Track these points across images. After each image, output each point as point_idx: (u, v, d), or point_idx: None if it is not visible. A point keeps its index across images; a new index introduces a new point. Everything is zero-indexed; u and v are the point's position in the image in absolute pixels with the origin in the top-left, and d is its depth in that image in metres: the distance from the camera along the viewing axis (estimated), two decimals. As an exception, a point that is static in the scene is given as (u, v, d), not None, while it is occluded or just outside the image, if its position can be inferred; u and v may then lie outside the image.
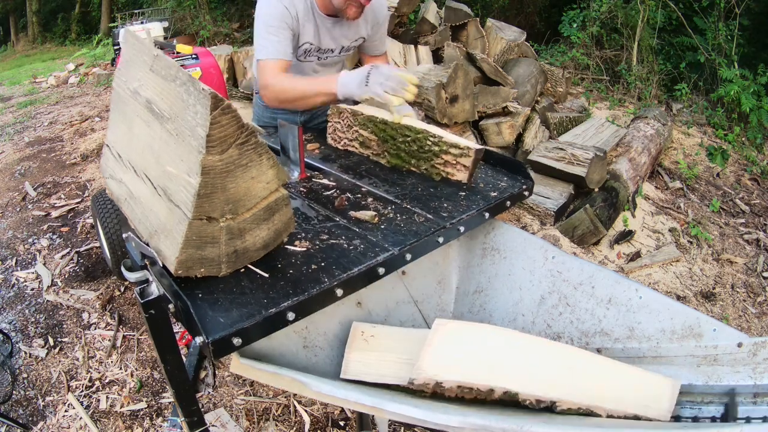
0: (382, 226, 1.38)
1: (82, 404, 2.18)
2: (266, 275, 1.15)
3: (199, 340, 0.95)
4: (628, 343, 1.34)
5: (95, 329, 2.58)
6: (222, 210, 1.03)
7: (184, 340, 2.17)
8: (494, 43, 4.74)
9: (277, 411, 2.16)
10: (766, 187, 4.91)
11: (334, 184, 1.65)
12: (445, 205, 1.51)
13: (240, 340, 0.97)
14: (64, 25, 15.56)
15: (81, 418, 2.12)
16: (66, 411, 2.16)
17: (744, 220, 4.31)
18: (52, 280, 2.92)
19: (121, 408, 2.17)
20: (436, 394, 1.31)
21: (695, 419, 1.19)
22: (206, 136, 0.94)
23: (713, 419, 1.16)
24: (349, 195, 1.56)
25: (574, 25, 6.65)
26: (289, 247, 1.27)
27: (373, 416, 1.64)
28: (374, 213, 1.43)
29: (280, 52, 1.84)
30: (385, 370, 1.33)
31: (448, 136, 1.64)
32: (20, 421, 2.11)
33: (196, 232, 1.01)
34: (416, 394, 1.31)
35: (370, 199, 1.53)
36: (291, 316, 1.05)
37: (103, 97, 6.33)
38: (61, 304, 2.74)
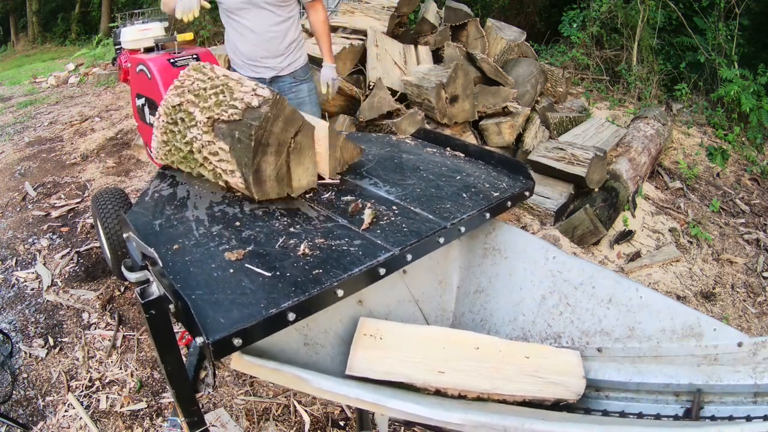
0: (379, 229, 1.38)
1: (82, 404, 2.18)
2: (268, 274, 1.15)
3: (199, 340, 0.95)
4: (629, 343, 1.34)
5: (95, 329, 2.58)
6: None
7: (184, 341, 2.17)
8: (494, 43, 4.74)
9: (277, 411, 2.16)
10: (766, 187, 4.91)
11: (335, 182, 1.65)
12: (446, 205, 1.51)
13: (240, 341, 0.97)
14: (64, 25, 15.54)
15: (81, 418, 2.12)
16: (66, 411, 2.16)
17: (744, 220, 4.31)
18: (52, 280, 2.91)
19: (121, 408, 2.17)
20: (439, 392, 1.31)
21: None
22: None
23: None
24: (353, 197, 1.56)
25: (574, 25, 6.65)
26: (289, 247, 1.27)
27: (373, 415, 1.64)
28: (370, 210, 1.43)
29: None
30: (390, 367, 1.34)
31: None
32: (20, 421, 2.11)
33: None
34: (419, 392, 1.31)
35: (371, 200, 1.53)
36: (291, 316, 1.05)
37: (103, 96, 6.33)
38: (61, 304, 2.74)
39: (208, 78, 1.54)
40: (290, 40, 2.50)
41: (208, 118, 1.46)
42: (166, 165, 1.69)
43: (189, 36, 2.58)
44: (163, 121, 1.60)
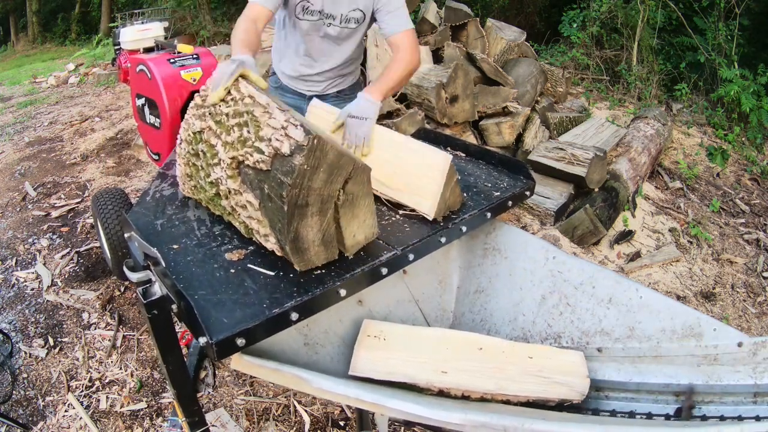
0: (381, 229, 1.38)
1: (82, 404, 2.18)
2: (271, 273, 1.15)
3: (202, 340, 0.95)
4: (629, 343, 1.35)
5: (95, 329, 2.58)
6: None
7: (184, 340, 2.17)
8: (494, 43, 4.74)
9: (277, 411, 2.16)
10: (766, 187, 4.91)
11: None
12: (447, 205, 1.51)
13: (243, 341, 0.97)
14: (64, 25, 15.55)
15: (81, 418, 2.12)
16: (66, 411, 2.16)
17: (744, 220, 4.31)
18: (52, 280, 2.91)
19: (121, 408, 2.17)
20: (442, 392, 1.32)
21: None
22: None
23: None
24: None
25: (574, 25, 6.65)
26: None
27: (373, 415, 1.64)
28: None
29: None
30: (393, 368, 1.34)
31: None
32: (20, 421, 2.11)
33: None
34: (423, 392, 1.31)
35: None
36: (294, 316, 1.05)
37: (103, 97, 6.33)
38: (61, 304, 2.74)
39: (231, 99, 1.23)
40: (345, 71, 2.24)
41: (232, 158, 1.15)
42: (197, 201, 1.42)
43: (189, 49, 2.58)
44: (185, 149, 1.32)
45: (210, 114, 1.25)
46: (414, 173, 1.44)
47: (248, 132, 1.14)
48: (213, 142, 1.22)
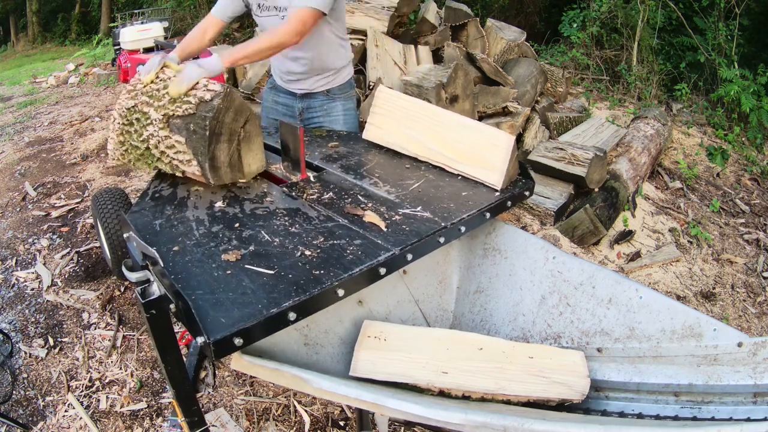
0: (387, 227, 1.38)
1: (82, 404, 2.18)
2: (270, 272, 1.15)
3: (200, 340, 0.95)
4: (629, 343, 1.35)
5: (95, 329, 2.58)
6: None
7: (184, 340, 2.17)
8: (494, 43, 4.74)
9: (277, 411, 2.16)
10: (766, 187, 4.91)
11: (335, 184, 1.65)
12: (447, 205, 1.52)
13: (241, 341, 0.97)
14: (64, 25, 15.55)
15: (81, 418, 2.12)
16: (66, 411, 2.16)
17: (744, 220, 4.31)
18: (52, 280, 2.91)
19: (121, 408, 2.17)
20: (442, 393, 1.32)
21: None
22: None
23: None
24: (353, 198, 1.56)
25: (574, 25, 6.64)
26: (289, 247, 1.27)
27: (373, 415, 1.64)
28: (371, 212, 1.44)
29: (216, 10, 2.08)
30: (393, 368, 1.34)
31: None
32: (20, 421, 2.11)
33: None
34: (423, 393, 1.31)
35: (371, 201, 1.53)
36: (292, 316, 1.05)
37: (103, 97, 6.33)
38: (61, 304, 2.74)
39: (160, 80, 1.67)
40: (329, 66, 2.17)
41: (163, 115, 1.59)
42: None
43: None
44: (118, 123, 1.72)
45: (142, 93, 1.67)
46: (482, 151, 1.68)
47: None
48: (146, 110, 1.63)
